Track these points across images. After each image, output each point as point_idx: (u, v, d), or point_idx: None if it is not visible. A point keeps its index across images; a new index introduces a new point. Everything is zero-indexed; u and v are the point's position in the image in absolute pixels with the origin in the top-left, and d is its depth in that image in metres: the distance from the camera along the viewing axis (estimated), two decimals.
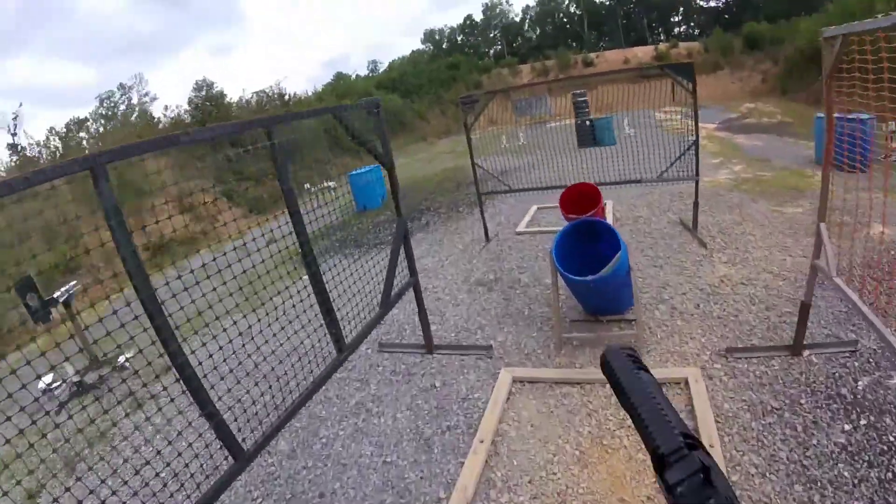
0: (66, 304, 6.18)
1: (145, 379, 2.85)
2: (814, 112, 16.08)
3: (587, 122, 16.67)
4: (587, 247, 4.97)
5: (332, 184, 16.81)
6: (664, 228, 7.61)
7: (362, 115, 4.21)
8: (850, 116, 4.12)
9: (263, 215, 17.73)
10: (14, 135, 23.11)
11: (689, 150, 6.85)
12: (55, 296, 6.06)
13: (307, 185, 17.55)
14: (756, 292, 5.34)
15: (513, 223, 9.36)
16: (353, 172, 13.24)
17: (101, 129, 26.16)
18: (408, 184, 15.79)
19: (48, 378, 5.78)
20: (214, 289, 2.88)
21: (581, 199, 6.29)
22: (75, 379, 6.11)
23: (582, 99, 19.13)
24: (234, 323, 3.13)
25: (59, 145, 22.77)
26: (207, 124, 20.75)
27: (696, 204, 7.07)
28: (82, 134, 25.32)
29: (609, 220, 8.21)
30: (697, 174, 6.84)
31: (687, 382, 4.05)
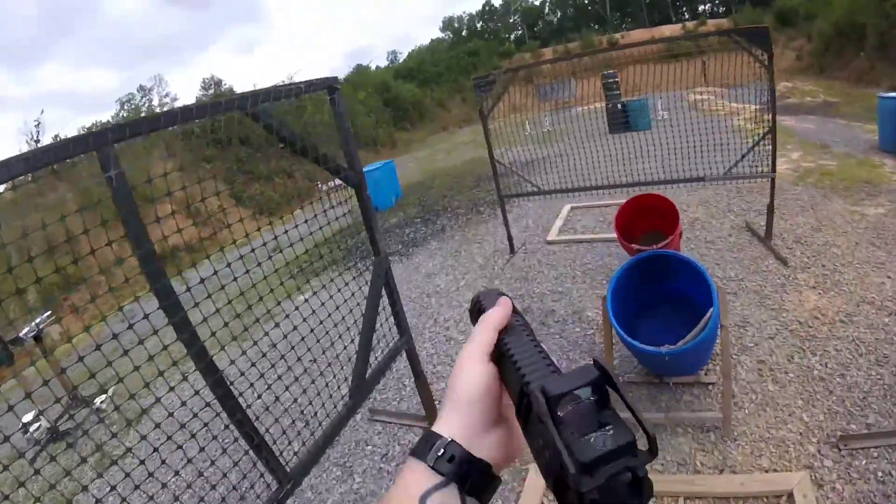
0: (37, 338, 5.52)
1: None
2: (858, 91, 14.34)
3: (619, 105, 15.24)
4: (655, 283, 3.65)
5: (333, 182, 15.64)
6: (729, 236, 6.19)
7: (324, 109, 2.98)
8: None
9: (273, 216, 16.82)
10: (37, 142, 22.85)
11: (763, 140, 5.45)
12: (21, 334, 5.47)
13: (319, 184, 16.49)
14: (860, 335, 4.03)
15: (542, 228, 8.01)
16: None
17: None
18: (426, 177, 14.55)
19: (28, 416, 5.04)
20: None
21: (646, 215, 4.81)
22: (46, 425, 5.37)
23: (613, 80, 17.52)
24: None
25: None
26: (214, 125, 20.04)
27: (770, 208, 5.65)
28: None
29: None
30: (774, 170, 5.44)
31: (791, 496, 2.77)
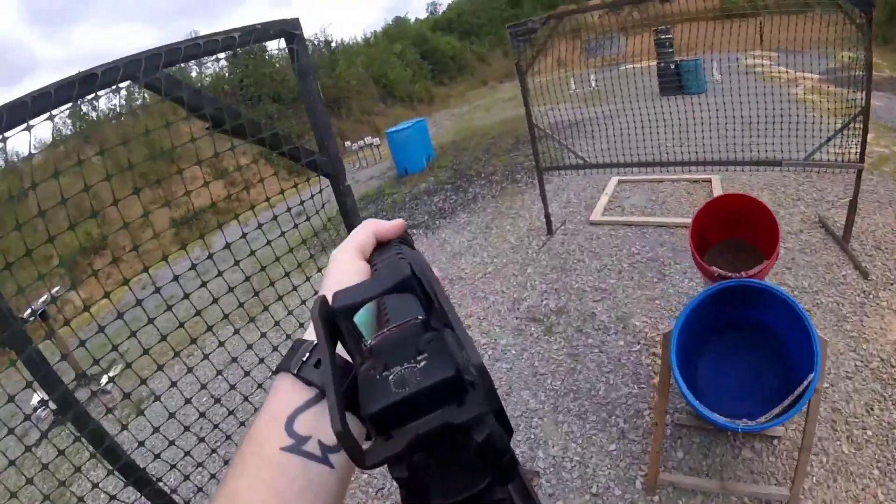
0: (43, 316, 5.46)
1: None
2: None
3: (672, 66, 14.19)
4: (730, 307, 2.99)
5: (375, 140, 15.07)
6: (799, 233, 5.43)
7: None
8: None
9: (303, 176, 16.20)
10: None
11: (855, 121, 4.66)
12: (25, 314, 5.17)
13: (347, 143, 15.89)
14: None
15: (585, 204, 7.29)
16: (390, 130, 11.28)
17: None
18: (461, 137, 13.82)
19: (35, 399, 4.99)
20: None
21: (724, 218, 3.45)
22: (53, 407, 5.07)
23: (666, 37, 16.26)
24: None
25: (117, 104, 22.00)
26: (245, 80, 19.44)
27: (853, 205, 4.87)
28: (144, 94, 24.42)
29: None
30: (862, 160, 4.66)
31: None
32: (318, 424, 0.43)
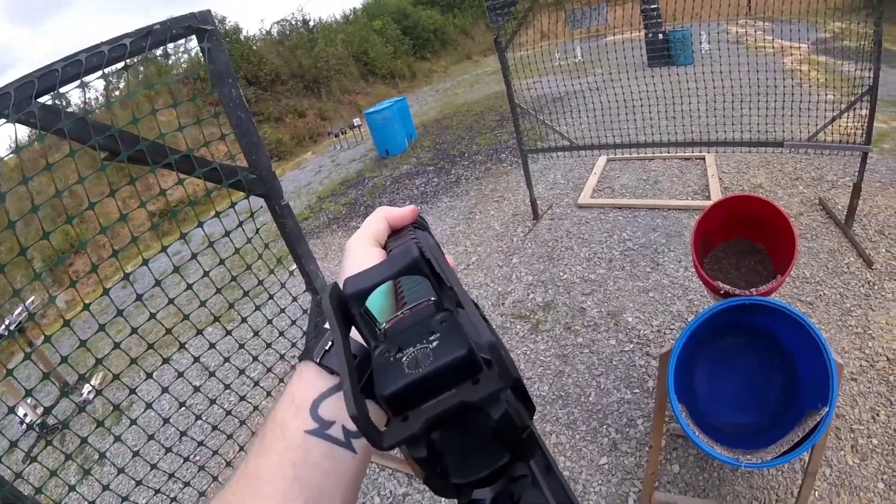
0: (20, 329, 5.42)
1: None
2: None
3: (660, 35, 13.79)
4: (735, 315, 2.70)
5: (356, 121, 14.58)
6: (800, 214, 5.15)
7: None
8: None
9: (284, 161, 15.85)
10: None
11: (861, 100, 4.36)
12: (1, 329, 5.23)
13: (329, 130, 15.43)
14: None
15: (573, 185, 6.97)
16: (369, 111, 10.84)
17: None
18: (445, 114, 13.39)
19: (21, 411, 4.89)
20: None
21: (729, 220, 2.98)
22: (37, 420, 5.11)
23: (653, 6, 15.80)
24: None
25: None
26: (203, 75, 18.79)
27: (857, 189, 4.60)
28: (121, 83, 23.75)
29: (714, 194, 5.75)
30: (869, 141, 4.38)
31: None
32: (342, 410, 0.43)
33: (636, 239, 5.29)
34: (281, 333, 2.94)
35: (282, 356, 3.41)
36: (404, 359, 0.31)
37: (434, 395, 0.29)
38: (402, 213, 0.55)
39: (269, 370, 3.13)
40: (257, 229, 2.50)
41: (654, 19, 15.71)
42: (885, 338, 3.56)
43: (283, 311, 2.92)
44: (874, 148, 6.22)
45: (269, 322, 2.86)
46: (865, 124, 4.30)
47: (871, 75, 4.19)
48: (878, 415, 3.06)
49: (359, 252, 0.51)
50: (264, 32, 23.49)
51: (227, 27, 22.53)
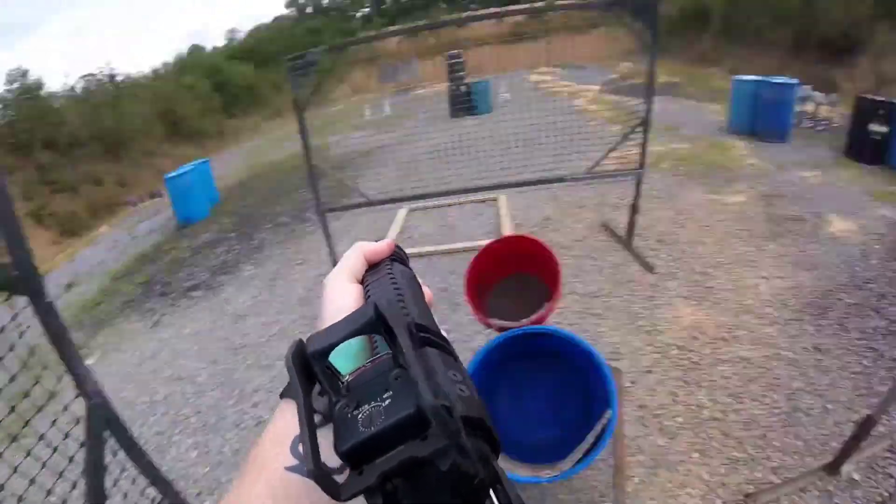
0: None
1: None
2: (699, 71, 15.00)
3: (462, 88, 14.37)
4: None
5: (158, 190, 13.38)
6: (586, 238, 5.43)
7: None
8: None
9: (78, 237, 14.17)
10: None
11: (635, 130, 4.67)
12: None
13: (129, 199, 14.16)
14: (746, 353, 3.53)
15: (375, 239, 6.69)
16: (169, 175, 10.02)
17: None
18: (250, 175, 12.85)
19: None
20: None
21: (503, 261, 2.98)
22: None
23: (457, 61, 16.62)
24: None
25: None
26: (18, 125, 16.87)
27: (634, 209, 4.87)
28: None
29: (505, 231, 5.85)
30: (643, 166, 4.67)
31: None
32: (322, 448, 0.37)
33: (435, 284, 5.16)
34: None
35: None
36: (360, 416, 0.32)
37: (385, 452, 0.30)
38: (378, 247, 0.56)
39: None
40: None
41: (458, 72, 16.54)
42: (672, 330, 3.81)
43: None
44: (653, 168, 6.81)
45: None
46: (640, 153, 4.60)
47: (645, 108, 4.49)
48: (677, 396, 3.24)
49: (336, 287, 0.51)
50: (68, 88, 21.77)
51: (29, 81, 20.32)
